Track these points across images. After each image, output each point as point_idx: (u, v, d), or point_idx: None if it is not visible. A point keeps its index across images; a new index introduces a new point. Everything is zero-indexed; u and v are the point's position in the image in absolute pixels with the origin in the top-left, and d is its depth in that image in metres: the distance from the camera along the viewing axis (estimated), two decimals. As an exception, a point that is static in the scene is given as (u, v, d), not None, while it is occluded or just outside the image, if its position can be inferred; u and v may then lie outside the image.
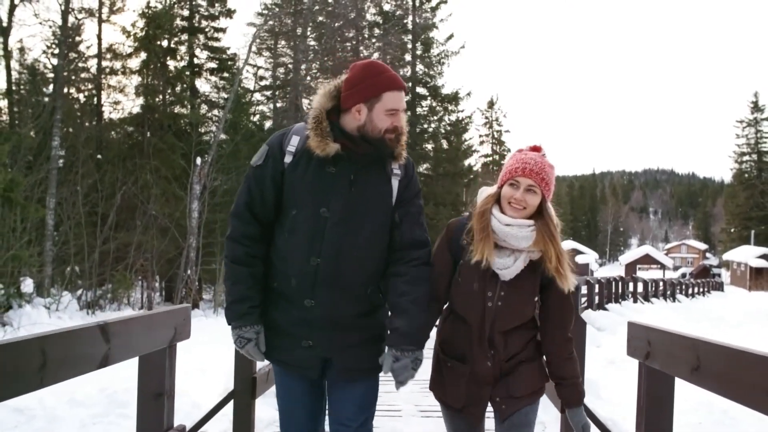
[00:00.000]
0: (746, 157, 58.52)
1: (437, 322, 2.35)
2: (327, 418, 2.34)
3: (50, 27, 20.21)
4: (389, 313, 2.19)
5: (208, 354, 6.47)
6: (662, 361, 2.24)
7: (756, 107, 58.09)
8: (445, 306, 2.33)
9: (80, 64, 21.53)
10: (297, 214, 2.09)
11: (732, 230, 58.79)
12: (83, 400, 4.66)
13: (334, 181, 2.08)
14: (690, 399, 5.15)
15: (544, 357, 2.25)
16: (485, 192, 2.26)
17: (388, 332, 2.15)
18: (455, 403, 2.22)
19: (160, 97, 21.12)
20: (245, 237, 2.13)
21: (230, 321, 2.15)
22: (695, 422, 4.62)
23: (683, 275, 53.27)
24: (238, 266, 2.12)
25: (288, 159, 2.11)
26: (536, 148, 2.19)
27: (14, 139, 12.74)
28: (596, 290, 13.64)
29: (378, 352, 2.19)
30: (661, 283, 22.97)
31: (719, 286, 36.76)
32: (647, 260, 67.01)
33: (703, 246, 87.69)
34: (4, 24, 17.33)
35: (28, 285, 11.71)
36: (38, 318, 11.26)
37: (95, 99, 21.96)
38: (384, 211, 2.15)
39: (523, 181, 2.09)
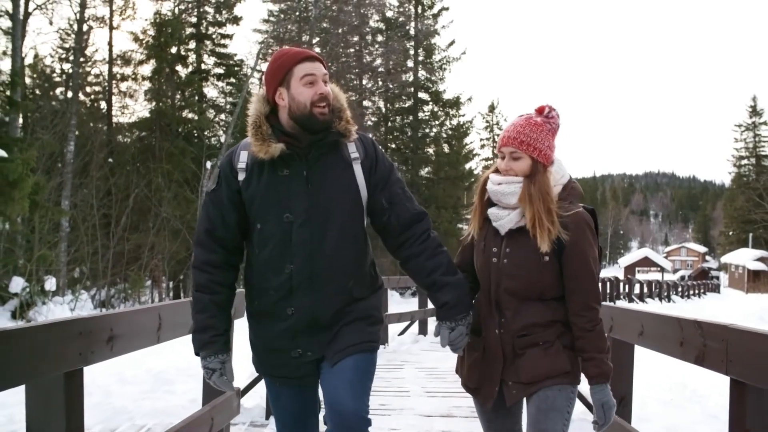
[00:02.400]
0: (745, 161, 58.90)
1: None
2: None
3: (58, 33, 20.99)
4: (427, 293, 2.17)
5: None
6: (620, 331, 2.86)
7: (754, 111, 58.49)
8: None
9: (87, 69, 22.13)
10: (263, 227, 2.04)
11: (730, 233, 59.24)
12: (132, 379, 5.28)
13: (289, 183, 2.02)
14: (666, 381, 5.81)
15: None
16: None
17: (438, 308, 2.12)
18: (471, 382, 2.17)
19: (169, 101, 21.71)
20: (207, 264, 2.08)
21: (196, 351, 2.09)
22: (668, 399, 5.25)
23: (682, 277, 53.86)
24: (200, 294, 2.08)
25: (241, 176, 2.05)
26: (540, 110, 2.17)
27: (36, 145, 13.37)
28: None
29: (366, 328, 2.12)
30: (655, 284, 23.57)
31: (715, 288, 37.31)
32: (646, 263, 67.56)
33: (702, 249, 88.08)
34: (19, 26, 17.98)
35: (51, 283, 12.35)
36: (62, 315, 11.89)
37: (106, 104, 22.62)
38: (350, 201, 2.07)
39: (505, 150, 2.12)
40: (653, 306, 19.72)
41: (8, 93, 12.76)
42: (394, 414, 4.87)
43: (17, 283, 11.53)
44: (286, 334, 2.05)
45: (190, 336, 2.17)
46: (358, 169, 2.07)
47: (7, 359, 1.50)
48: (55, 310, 11.99)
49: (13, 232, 11.94)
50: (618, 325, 2.88)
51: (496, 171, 2.17)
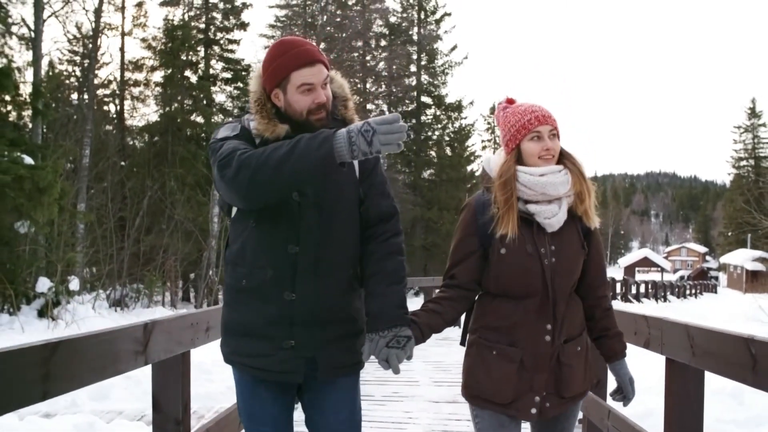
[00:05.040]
0: (744, 162, 59.50)
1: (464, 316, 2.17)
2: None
3: (71, 42, 21.70)
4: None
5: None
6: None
7: (753, 113, 59.01)
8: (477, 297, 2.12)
9: (99, 73, 22.81)
10: None
11: (729, 234, 59.76)
12: (176, 369, 5.98)
13: None
14: (648, 374, 6.49)
15: (585, 313, 2.09)
16: (494, 160, 2.10)
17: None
18: (503, 397, 1.97)
19: (179, 106, 22.35)
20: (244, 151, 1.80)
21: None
22: (647, 387, 5.90)
23: (681, 278, 54.51)
24: (252, 155, 1.77)
25: (258, 141, 1.90)
26: (511, 101, 2.10)
27: (59, 152, 14.05)
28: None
29: (359, 345, 1.98)
30: (651, 285, 24.21)
31: (713, 288, 37.90)
32: (646, 263, 68.20)
33: (703, 249, 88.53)
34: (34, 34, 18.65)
35: (75, 284, 13.02)
36: (85, 313, 12.58)
37: (117, 109, 23.33)
38: (352, 187, 1.98)
39: (544, 129, 1.97)
40: (649, 306, 20.33)
41: (32, 101, 13.43)
42: (406, 400, 5.52)
43: (43, 284, 12.20)
44: (281, 321, 1.89)
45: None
46: None
47: (157, 340, 2.17)
48: (80, 309, 12.67)
49: (36, 233, 12.53)
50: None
51: (517, 162, 2.01)
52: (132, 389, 5.57)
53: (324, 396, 1.99)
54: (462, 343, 2.16)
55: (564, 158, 2.01)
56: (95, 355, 1.83)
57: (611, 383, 4.25)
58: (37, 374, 1.55)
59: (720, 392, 5.66)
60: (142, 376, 5.78)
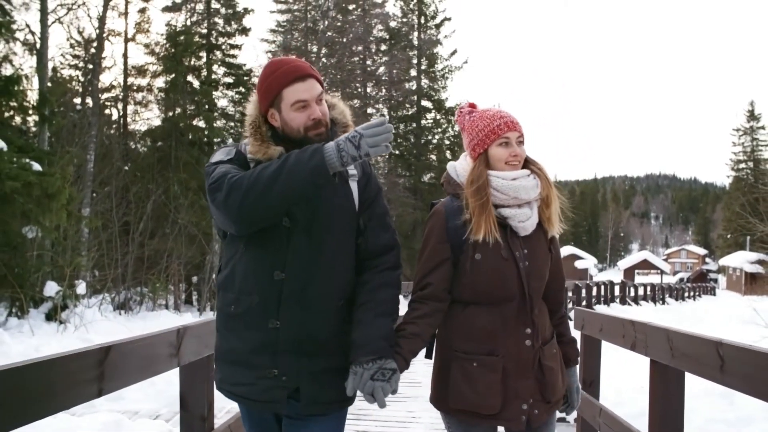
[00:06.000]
0: (743, 165, 59.78)
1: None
2: None
3: (74, 48, 21.93)
4: None
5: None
6: (589, 329, 3.77)
7: (752, 116, 59.32)
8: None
9: (101, 77, 23.02)
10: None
11: (728, 236, 59.97)
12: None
13: None
14: (642, 374, 6.72)
15: None
16: (460, 166, 2.10)
17: None
18: (490, 408, 1.93)
19: (182, 111, 22.59)
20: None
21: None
22: (640, 387, 6.14)
23: (681, 280, 54.71)
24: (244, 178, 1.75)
25: (252, 165, 1.87)
26: (473, 106, 2.13)
27: (66, 158, 14.27)
28: (583, 293, 15.16)
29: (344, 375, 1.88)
30: (650, 288, 24.42)
31: (711, 290, 38.10)
32: (645, 265, 68.32)
33: (702, 251, 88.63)
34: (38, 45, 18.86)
35: (82, 287, 13.23)
36: (92, 317, 12.79)
37: (120, 114, 23.57)
38: (348, 216, 1.93)
39: (512, 135, 1.98)
40: (647, 309, 20.48)
41: (38, 108, 13.64)
42: (409, 401, 5.74)
43: (51, 287, 12.42)
44: (265, 349, 1.86)
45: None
46: (354, 186, 1.95)
47: (188, 344, 2.41)
48: (87, 312, 12.88)
49: (43, 238, 12.72)
50: (587, 324, 3.80)
51: (484, 167, 2.01)
52: (146, 390, 5.79)
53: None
54: (428, 356, 2.13)
55: (529, 164, 2.04)
56: (139, 357, 2.07)
57: (605, 383, 4.50)
58: (94, 374, 1.80)
59: (711, 393, 5.87)
60: (155, 378, 6.01)
